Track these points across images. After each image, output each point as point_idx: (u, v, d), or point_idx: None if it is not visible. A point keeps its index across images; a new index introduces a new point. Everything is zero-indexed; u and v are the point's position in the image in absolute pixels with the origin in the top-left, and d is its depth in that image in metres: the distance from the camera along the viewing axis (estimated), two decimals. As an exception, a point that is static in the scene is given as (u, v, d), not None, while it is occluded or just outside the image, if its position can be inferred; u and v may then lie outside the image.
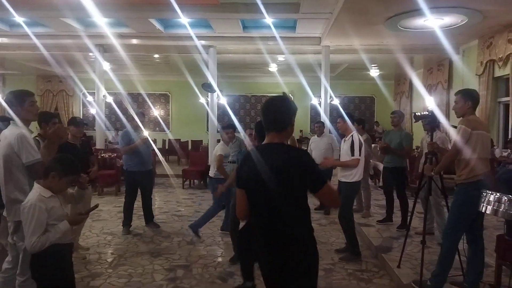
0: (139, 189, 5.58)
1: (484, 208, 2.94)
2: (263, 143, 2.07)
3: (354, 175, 4.39)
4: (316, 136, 6.79)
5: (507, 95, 8.60)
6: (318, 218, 6.36)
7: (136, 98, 16.39)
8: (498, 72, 8.91)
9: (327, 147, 6.46)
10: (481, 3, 6.86)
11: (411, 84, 14.00)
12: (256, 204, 2.00)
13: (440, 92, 11.41)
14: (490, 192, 2.91)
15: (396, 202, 5.57)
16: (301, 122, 16.72)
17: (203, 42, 10.07)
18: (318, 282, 3.69)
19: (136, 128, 5.48)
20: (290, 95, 17.07)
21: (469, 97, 3.44)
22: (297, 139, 12.49)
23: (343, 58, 11.73)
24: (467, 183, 3.30)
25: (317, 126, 6.86)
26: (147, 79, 15.81)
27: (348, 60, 12.11)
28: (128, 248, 4.83)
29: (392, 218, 5.70)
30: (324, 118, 9.76)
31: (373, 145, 8.16)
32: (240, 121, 16.78)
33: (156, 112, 16.98)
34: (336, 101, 13.35)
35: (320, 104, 10.81)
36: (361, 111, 16.67)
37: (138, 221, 5.83)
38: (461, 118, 3.45)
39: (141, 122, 5.52)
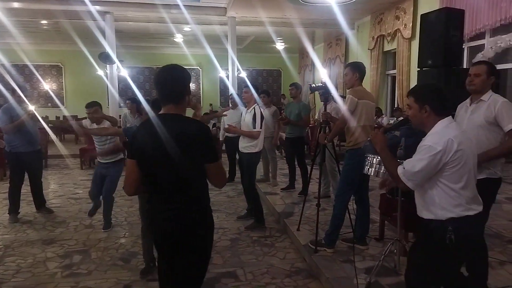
0: (26, 172, 5.01)
1: (368, 171, 3.22)
2: (160, 113, 1.96)
3: (256, 146, 4.51)
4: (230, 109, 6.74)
5: (394, 68, 9.51)
6: (226, 190, 6.45)
7: (21, 70, 14.55)
8: (387, 47, 9.78)
9: (240, 120, 6.48)
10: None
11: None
12: (150, 174, 1.90)
13: (339, 65, 12.16)
14: (373, 156, 3.18)
15: (298, 170, 5.90)
16: (210, 95, 16.60)
17: (98, 7, 9.22)
18: (223, 252, 3.82)
19: (20, 102, 4.82)
20: (198, 67, 16.77)
21: (357, 69, 3.68)
22: (206, 113, 12.35)
23: (249, 30, 11.77)
24: (354, 149, 3.58)
25: (232, 98, 6.83)
26: (35, 49, 14.06)
27: (255, 33, 12.19)
28: (16, 237, 4.36)
29: (294, 185, 6.04)
30: (232, 91, 9.77)
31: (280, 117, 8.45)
32: (145, 95, 16.02)
33: (47, 85, 15.31)
34: (244, 74, 13.44)
35: (228, 77, 10.79)
36: (268, 84, 17.11)
37: (27, 208, 5.28)
38: (350, 88, 3.70)
39: (25, 95, 4.87)
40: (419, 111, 2.04)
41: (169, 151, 1.80)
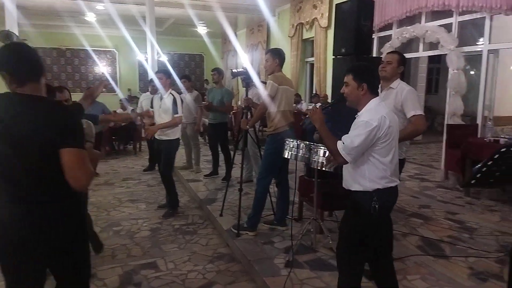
0: None
1: (287, 154, 3.31)
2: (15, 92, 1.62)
3: (175, 132, 4.39)
4: (148, 93, 6.42)
5: (312, 56, 9.88)
6: (146, 179, 6.22)
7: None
8: (306, 35, 10.09)
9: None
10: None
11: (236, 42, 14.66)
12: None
13: (261, 51, 12.29)
14: (291, 140, 3.28)
15: (222, 156, 5.89)
16: (128, 79, 15.74)
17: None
18: (143, 243, 3.68)
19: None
20: (114, 49, 15.71)
21: (277, 56, 3.73)
22: (125, 98, 11.71)
23: (170, 12, 11.31)
24: (275, 134, 3.66)
25: (152, 83, 6.50)
26: None
27: (175, 15, 11.75)
28: None
29: (218, 171, 6.03)
30: (152, 75, 9.35)
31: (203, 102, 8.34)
32: (54, 78, 14.68)
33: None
34: (164, 58, 12.97)
35: (147, 60, 10.29)
36: (191, 68, 16.72)
37: None
38: (270, 74, 3.75)
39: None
40: (357, 89, 2.17)
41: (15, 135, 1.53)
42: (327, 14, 8.74)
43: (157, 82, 4.61)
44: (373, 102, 2.16)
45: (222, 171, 5.97)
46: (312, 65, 10.30)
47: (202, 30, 13.04)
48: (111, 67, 15.55)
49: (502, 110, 6.59)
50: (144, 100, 6.44)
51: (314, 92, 9.77)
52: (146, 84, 10.95)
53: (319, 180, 3.40)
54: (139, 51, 13.18)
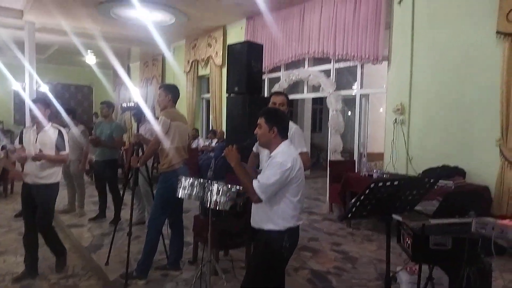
0: None
1: (180, 193, 3.20)
2: None
3: (55, 175, 3.70)
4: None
5: (209, 92, 10.05)
6: (18, 226, 5.38)
7: None
8: (202, 72, 10.27)
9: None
10: (186, 5, 7.63)
11: (129, 75, 14.18)
12: None
13: (156, 85, 12.07)
14: (185, 178, 3.19)
15: (110, 196, 5.45)
16: (1, 110, 13.88)
17: None
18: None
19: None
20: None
21: (170, 91, 3.68)
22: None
23: (53, 39, 10.47)
24: (169, 171, 3.53)
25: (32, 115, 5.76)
26: None
27: (60, 42, 10.91)
28: None
29: (105, 213, 5.55)
30: (31, 107, 8.40)
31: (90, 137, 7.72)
32: None
33: None
34: (45, 88, 11.82)
35: (25, 90, 9.24)
36: (78, 100, 15.52)
37: None
38: (163, 110, 3.66)
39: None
40: (268, 131, 2.29)
41: None
42: (221, 53, 9.05)
43: (37, 113, 4.04)
44: (284, 144, 2.31)
45: (110, 213, 5.50)
46: (208, 101, 10.45)
47: (91, 60, 12.31)
48: (-22, 96, 13.56)
49: (374, 147, 7.48)
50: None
51: (210, 127, 9.86)
52: (22, 116, 9.81)
53: (214, 219, 3.35)
54: (14, 80, 11.77)
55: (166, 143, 3.51)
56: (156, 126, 3.56)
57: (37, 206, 3.61)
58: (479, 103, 4.79)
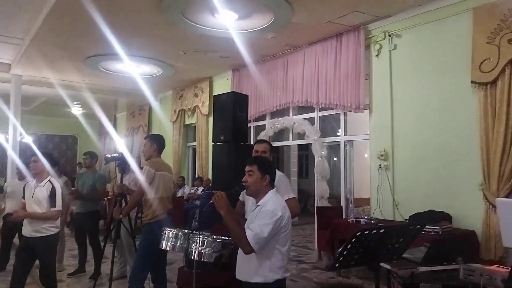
0: None
1: (164, 245, 3.10)
2: None
3: (56, 225, 3.67)
4: (17, 180, 5.50)
5: (195, 140, 10.10)
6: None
7: None
8: (188, 121, 10.39)
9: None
10: (172, 59, 7.89)
11: (115, 125, 14.24)
12: None
13: (142, 135, 12.11)
14: (169, 229, 3.12)
15: (90, 250, 5.24)
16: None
17: None
18: None
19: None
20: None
21: (155, 141, 3.70)
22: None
23: (39, 91, 10.57)
24: (152, 222, 3.45)
25: (17, 169, 5.63)
26: None
27: (46, 94, 11.01)
28: None
29: (85, 267, 5.30)
30: (14, 158, 8.28)
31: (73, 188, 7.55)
32: None
33: None
34: (29, 139, 11.72)
35: (8, 141, 9.15)
36: (62, 151, 15.35)
37: None
38: (148, 160, 3.65)
39: None
40: (261, 179, 2.25)
41: None
42: (207, 103, 9.23)
43: (22, 166, 3.90)
44: (272, 193, 2.28)
45: (90, 267, 5.26)
46: (194, 149, 10.47)
47: (76, 111, 12.37)
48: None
49: (361, 192, 7.50)
50: (9, 186, 5.51)
51: (196, 175, 9.80)
52: (4, 167, 9.63)
53: (199, 271, 3.23)
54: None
55: (150, 193, 3.47)
56: (140, 176, 3.54)
57: (31, 260, 3.58)
58: (460, 148, 4.92)
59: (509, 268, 2.07)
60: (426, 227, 4.33)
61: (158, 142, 3.72)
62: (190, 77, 9.41)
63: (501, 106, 4.45)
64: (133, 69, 8.22)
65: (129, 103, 12.57)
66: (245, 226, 2.22)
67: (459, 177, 4.91)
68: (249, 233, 2.11)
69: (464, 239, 4.34)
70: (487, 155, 4.57)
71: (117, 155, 3.98)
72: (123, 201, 3.79)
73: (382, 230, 2.12)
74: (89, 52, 7.48)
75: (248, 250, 2.12)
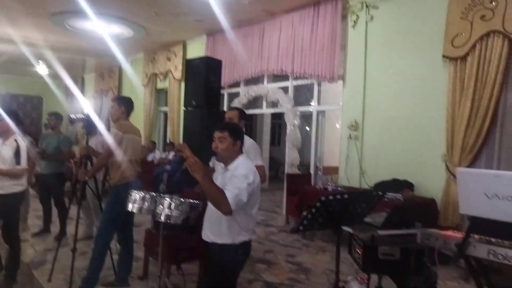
0: None
1: (131, 207, 3.08)
2: None
3: (21, 183, 3.56)
4: None
5: (167, 105, 9.91)
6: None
7: None
8: (160, 85, 10.14)
9: None
10: (144, 20, 7.55)
11: (83, 86, 13.73)
12: None
13: (111, 97, 11.74)
14: (136, 192, 3.09)
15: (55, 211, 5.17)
16: None
17: None
18: None
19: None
20: None
21: (123, 103, 3.58)
22: None
23: (1, 49, 9.96)
24: (119, 185, 3.40)
25: None
26: None
27: (9, 52, 10.39)
28: None
29: (50, 228, 5.24)
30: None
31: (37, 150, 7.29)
32: None
33: None
34: (-9, 98, 11.15)
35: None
36: (26, 111, 14.70)
37: None
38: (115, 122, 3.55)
39: None
40: (233, 145, 2.25)
41: None
42: (180, 67, 8.99)
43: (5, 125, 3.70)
44: (242, 157, 2.29)
45: (56, 228, 5.18)
46: (166, 114, 10.29)
47: (42, 70, 11.78)
48: None
49: (331, 161, 7.66)
50: None
51: (168, 141, 9.68)
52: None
53: (166, 233, 3.25)
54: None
55: (118, 156, 3.39)
56: (108, 139, 3.44)
57: None
58: (428, 121, 5.07)
59: (463, 233, 2.17)
60: (389, 194, 4.52)
61: (126, 104, 3.60)
62: (163, 40, 9.08)
63: (470, 81, 4.58)
64: (102, 28, 7.83)
65: (98, 64, 12.08)
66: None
67: (424, 148, 5.09)
68: (229, 194, 2.08)
69: (424, 206, 4.55)
70: (452, 128, 4.74)
71: (83, 116, 3.85)
72: (88, 163, 3.69)
73: (345, 196, 2.18)
74: (54, 8, 7.04)
75: (228, 210, 2.08)
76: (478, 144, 4.55)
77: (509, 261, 1.97)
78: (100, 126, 4.13)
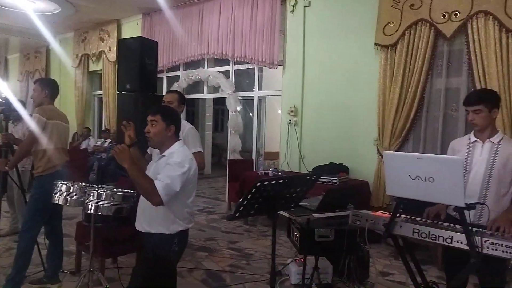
0: None
1: (57, 199, 2.87)
2: None
3: None
4: None
5: (101, 89, 9.34)
6: None
7: None
8: (93, 67, 9.51)
9: None
10: (72, -5, 6.98)
11: (7, 68, 12.53)
12: None
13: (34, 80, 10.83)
14: (62, 183, 2.88)
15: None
16: None
17: None
18: None
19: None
20: None
21: (47, 86, 3.29)
22: None
23: None
24: (44, 175, 3.15)
25: None
26: None
27: None
28: None
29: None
30: None
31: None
32: None
33: None
34: None
35: None
36: None
37: None
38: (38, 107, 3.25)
39: None
40: (165, 129, 2.13)
41: None
42: (115, 48, 8.48)
43: None
44: (178, 145, 2.18)
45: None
46: (101, 98, 9.71)
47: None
48: None
49: (272, 146, 7.75)
50: None
51: (104, 127, 9.17)
52: None
53: (100, 225, 3.09)
54: None
55: (42, 144, 3.12)
56: (30, 124, 3.15)
57: None
58: (361, 107, 5.28)
59: (391, 214, 2.29)
60: (325, 177, 4.68)
61: (49, 87, 3.30)
62: (95, 18, 8.49)
63: (399, 68, 4.82)
64: (25, 3, 7.12)
65: (23, 43, 11.02)
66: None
67: (358, 133, 5.31)
68: (158, 184, 1.99)
69: (357, 188, 4.77)
70: (382, 113, 4.98)
71: (0, 100, 3.47)
72: (9, 152, 3.37)
73: (280, 181, 2.19)
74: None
75: (158, 201, 2.00)
76: (406, 129, 4.84)
77: (431, 239, 2.12)
78: (23, 111, 3.77)
